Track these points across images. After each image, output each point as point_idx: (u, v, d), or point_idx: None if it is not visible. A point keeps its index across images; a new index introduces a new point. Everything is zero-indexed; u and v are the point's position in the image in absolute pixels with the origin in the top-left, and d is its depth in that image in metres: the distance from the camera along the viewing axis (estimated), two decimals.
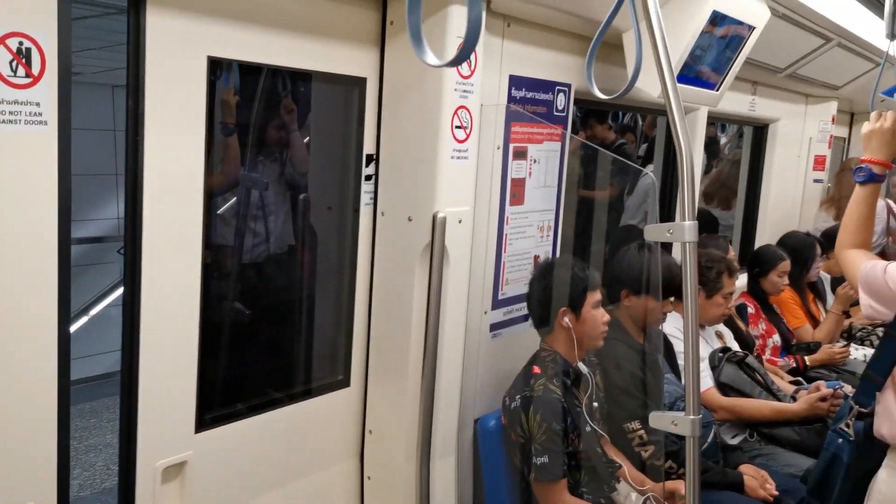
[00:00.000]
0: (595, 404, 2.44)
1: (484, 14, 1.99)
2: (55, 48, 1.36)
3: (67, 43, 1.38)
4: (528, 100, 2.38)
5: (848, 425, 1.93)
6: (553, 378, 2.31)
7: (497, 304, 2.43)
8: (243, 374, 2.06)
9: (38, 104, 1.35)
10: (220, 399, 1.90)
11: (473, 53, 1.97)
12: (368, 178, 2.03)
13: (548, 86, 2.44)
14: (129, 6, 1.52)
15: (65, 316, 1.46)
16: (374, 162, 2.06)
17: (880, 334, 4.32)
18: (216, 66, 1.68)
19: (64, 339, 1.47)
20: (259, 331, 2.17)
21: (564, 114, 2.53)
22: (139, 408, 1.66)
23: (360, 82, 1.96)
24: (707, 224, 4.76)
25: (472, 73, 1.98)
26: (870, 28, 3.38)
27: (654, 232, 1.68)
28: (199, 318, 1.73)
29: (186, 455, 1.78)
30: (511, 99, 2.30)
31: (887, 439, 1.78)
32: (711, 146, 6.65)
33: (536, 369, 2.33)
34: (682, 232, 1.58)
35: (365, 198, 2.04)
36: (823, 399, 2.98)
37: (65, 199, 1.42)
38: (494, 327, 2.43)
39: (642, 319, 2.66)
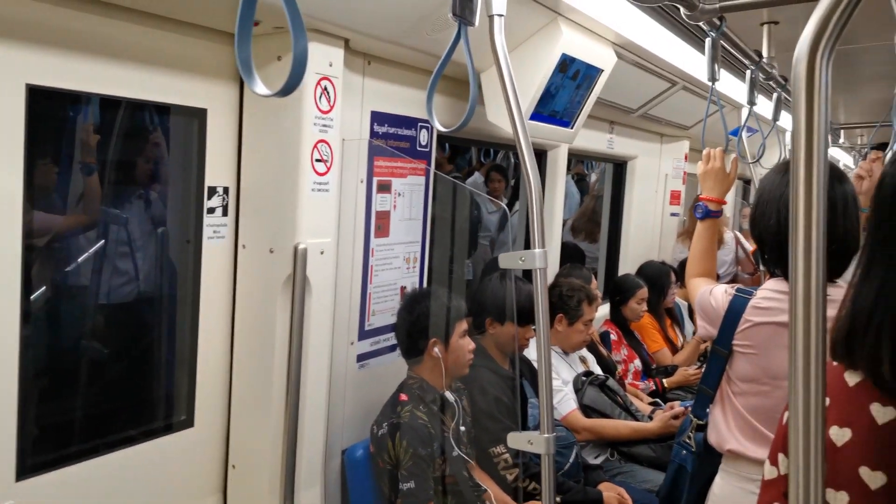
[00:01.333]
0: (462, 429, 2.51)
1: (343, 52, 2.06)
2: None
3: None
4: (391, 135, 2.46)
5: (689, 437, 2.08)
6: (420, 405, 2.36)
7: (364, 334, 2.47)
8: (76, 417, 1.95)
9: None
10: (48, 443, 1.78)
11: (333, 89, 2.03)
12: (211, 210, 2.03)
13: (410, 122, 2.53)
14: None
15: None
16: (223, 194, 2.06)
17: None
18: (38, 95, 1.63)
19: None
20: (98, 371, 2.07)
21: (427, 149, 2.63)
22: None
23: (200, 113, 1.97)
24: (574, 256, 4.98)
25: (332, 108, 2.04)
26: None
27: (508, 260, 1.77)
28: (17, 358, 1.62)
29: None
30: (373, 134, 2.37)
31: (715, 447, 1.93)
32: (580, 182, 6.97)
33: (403, 397, 2.38)
34: (534, 259, 1.67)
35: (208, 231, 2.03)
36: (676, 417, 3.17)
37: None
38: (362, 357, 2.47)
39: (507, 346, 2.76)
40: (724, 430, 1.90)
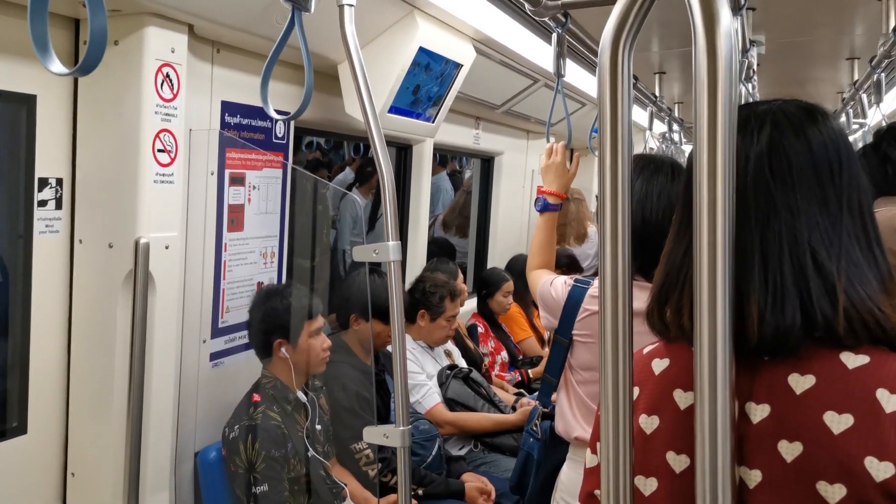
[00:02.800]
0: (318, 427, 2.47)
1: (186, 38, 1.98)
2: None
3: None
4: (245, 126, 2.38)
5: (536, 425, 2.12)
6: (273, 405, 2.31)
7: (217, 332, 2.38)
8: None
9: None
10: None
11: (176, 77, 1.95)
12: (43, 203, 1.91)
13: (265, 113, 2.45)
14: None
15: None
16: (56, 186, 1.94)
17: None
18: None
19: None
20: None
21: (285, 141, 2.56)
22: None
23: (28, 100, 1.84)
24: (445, 250, 5.02)
25: (175, 96, 1.95)
26: (572, 72, 3.77)
27: (362, 253, 1.75)
28: None
29: None
30: (225, 125, 2.29)
31: (563, 435, 1.98)
32: (454, 178, 7.03)
33: (256, 397, 2.32)
34: (388, 252, 1.66)
35: (40, 225, 1.90)
36: None
37: None
38: (215, 356, 2.38)
39: (371, 342, 2.75)
40: (570, 418, 1.95)
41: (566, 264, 4.89)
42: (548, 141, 2.40)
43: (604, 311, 0.83)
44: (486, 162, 4.86)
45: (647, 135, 5.09)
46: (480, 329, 4.10)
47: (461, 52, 2.82)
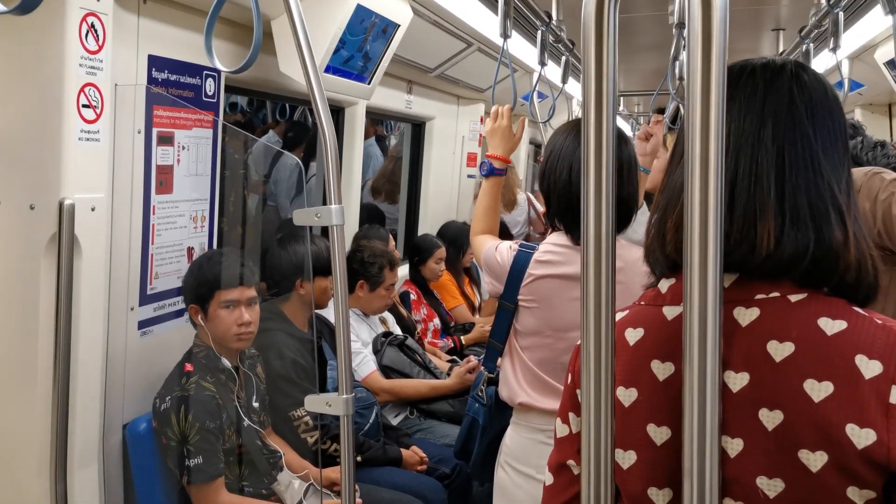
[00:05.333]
0: (254, 397, 2.40)
1: None
2: None
3: None
4: (173, 83, 2.26)
5: (482, 391, 2.11)
6: (207, 375, 2.23)
7: (146, 299, 2.27)
8: None
9: None
10: None
11: (102, 27, 1.82)
12: None
13: (195, 69, 2.34)
14: None
15: None
16: None
17: None
18: None
19: None
20: None
21: (215, 99, 2.45)
22: None
23: None
24: (374, 216, 4.95)
25: (101, 48, 1.82)
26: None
27: (303, 216, 1.69)
28: None
29: None
30: (152, 80, 2.16)
31: (507, 401, 1.98)
32: (381, 142, 6.93)
33: (189, 367, 2.23)
34: (330, 215, 1.60)
35: None
36: (471, 371, 3.25)
37: None
38: (144, 324, 2.28)
39: (314, 303, 2.70)
40: (514, 384, 1.94)
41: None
42: (492, 104, 2.37)
43: (586, 278, 0.81)
44: (418, 127, 4.80)
45: (572, 101, 5.13)
46: (413, 296, 4.08)
47: (398, 12, 2.74)
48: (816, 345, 0.83)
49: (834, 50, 2.60)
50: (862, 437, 0.79)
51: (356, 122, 3.57)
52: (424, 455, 2.85)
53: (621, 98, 6.96)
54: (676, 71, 3.27)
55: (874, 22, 3.33)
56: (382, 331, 3.36)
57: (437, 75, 4.00)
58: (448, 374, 3.39)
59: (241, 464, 2.29)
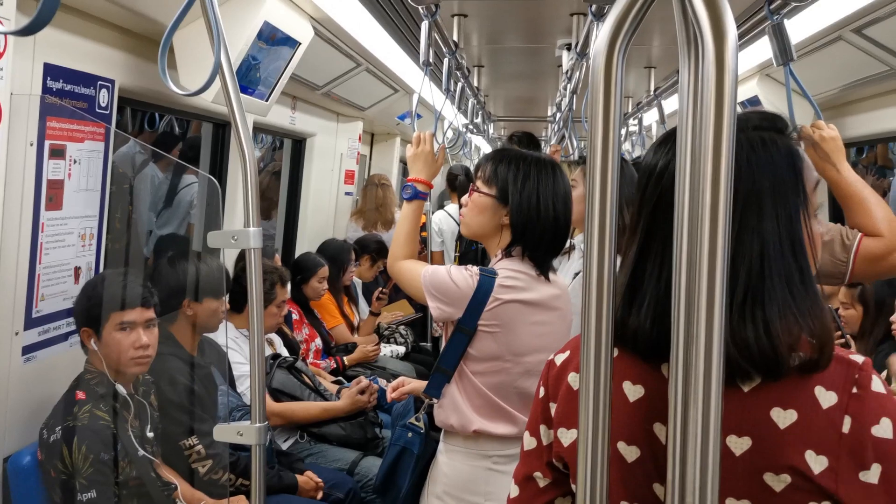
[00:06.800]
0: (148, 426, 2.28)
1: None
2: None
3: None
4: (68, 93, 2.12)
5: (418, 419, 2.10)
6: (100, 403, 2.10)
7: (32, 322, 2.11)
8: None
9: None
10: None
11: (3, 35, 1.69)
12: None
13: (89, 79, 2.21)
14: None
15: None
16: None
17: (403, 332, 4.86)
18: None
19: None
20: None
21: (108, 111, 2.32)
22: None
23: None
24: None
25: (1, 55, 1.69)
26: (394, 57, 3.77)
27: (218, 238, 1.64)
28: None
29: None
30: (47, 90, 2.02)
31: (457, 429, 1.96)
32: None
33: (80, 394, 2.09)
34: (248, 238, 1.58)
35: None
36: (363, 392, 3.23)
37: None
38: (28, 350, 2.11)
39: (202, 326, 2.59)
40: (466, 410, 1.94)
41: (375, 249, 4.91)
42: (414, 130, 2.39)
43: (587, 309, 0.84)
44: (298, 143, 4.73)
45: (446, 122, 5.20)
46: (295, 316, 4.00)
47: (301, 30, 2.72)
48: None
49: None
50: (818, 462, 0.86)
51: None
52: (320, 480, 2.80)
53: (492, 122, 7.16)
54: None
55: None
56: (270, 353, 3.28)
57: (324, 93, 3.97)
58: (337, 396, 3.35)
59: (136, 497, 2.17)
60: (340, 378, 3.82)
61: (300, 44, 2.76)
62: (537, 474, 1.08)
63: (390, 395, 2.20)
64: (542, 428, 1.08)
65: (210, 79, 1.30)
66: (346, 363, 4.08)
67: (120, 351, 2.13)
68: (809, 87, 3.81)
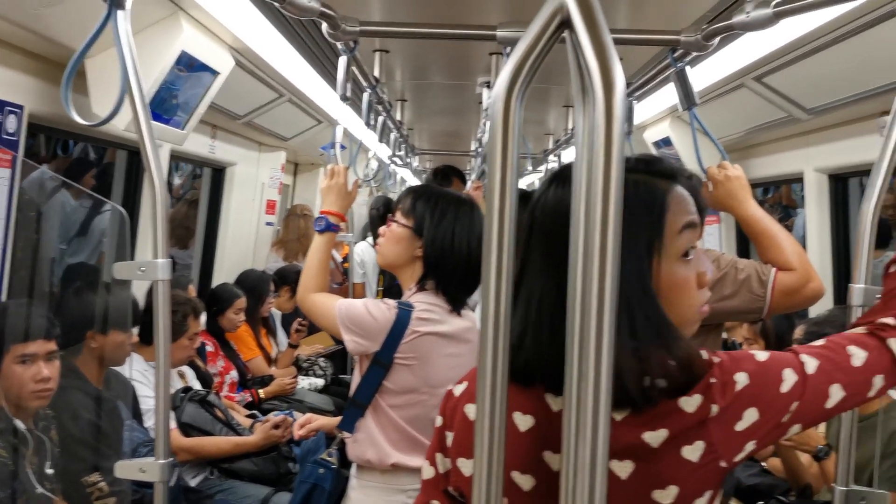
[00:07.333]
0: (48, 462, 2.19)
1: None
2: None
3: None
4: None
5: (331, 454, 2.08)
6: None
7: None
8: None
9: None
10: None
11: None
12: None
13: None
14: None
15: None
16: None
17: (322, 364, 4.81)
18: None
19: None
20: None
21: (16, 138, 2.26)
22: None
23: None
24: None
25: None
26: (317, 89, 3.78)
27: (125, 270, 1.62)
28: None
29: None
30: None
31: (374, 464, 1.95)
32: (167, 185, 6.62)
33: None
34: (156, 270, 1.56)
35: None
36: (276, 427, 3.18)
37: None
38: None
39: (109, 359, 2.51)
40: (383, 444, 1.94)
41: (295, 280, 4.85)
42: (338, 162, 2.40)
43: (484, 341, 0.86)
44: (218, 172, 4.67)
45: (370, 154, 5.23)
46: (210, 348, 3.91)
47: (220, 60, 2.70)
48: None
49: (628, 134, 2.92)
50: (694, 455, 0.94)
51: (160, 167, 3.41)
52: None
53: (416, 155, 7.23)
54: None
55: (646, 107, 3.80)
56: (182, 385, 3.20)
57: (245, 122, 3.95)
58: (251, 430, 3.28)
59: None
60: (255, 412, 3.75)
61: (219, 73, 2.75)
62: (434, 502, 1.10)
63: (297, 433, 2.18)
64: (439, 456, 1.11)
65: (115, 108, 1.29)
66: (262, 396, 4.01)
67: (20, 384, 2.05)
68: (717, 129, 4.01)
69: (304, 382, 4.50)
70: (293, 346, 4.57)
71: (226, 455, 3.09)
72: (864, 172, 3.21)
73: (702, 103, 3.39)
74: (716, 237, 4.56)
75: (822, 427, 2.84)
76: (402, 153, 5.95)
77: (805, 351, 1.00)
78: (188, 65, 2.49)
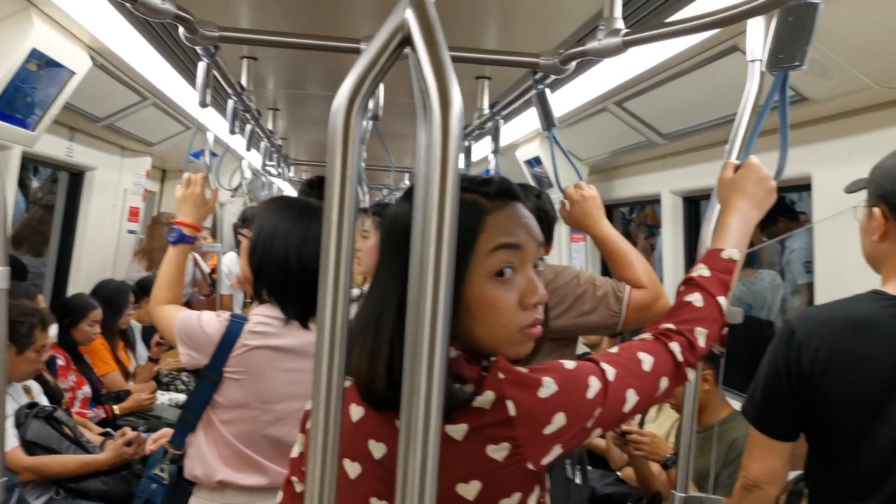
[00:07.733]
0: None
1: None
2: None
3: None
4: None
5: (163, 469, 1.99)
6: None
7: None
8: None
9: None
10: None
11: None
12: None
13: None
14: None
15: None
16: None
17: (185, 378, 4.64)
18: None
19: None
20: None
21: None
22: None
23: None
24: (16, 271, 4.41)
25: None
26: (183, 94, 3.66)
27: None
28: None
29: None
30: None
31: (202, 480, 1.88)
32: (23, 187, 6.24)
33: None
34: None
35: None
36: (129, 444, 3.04)
37: None
38: None
39: None
40: (211, 460, 1.87)
41: None
42: (185, 170, 2.31)
43: (320, 357, 0.86)
44: (76, 176, 4.43)
45: (243, 163, 5.13)
46: (60, 361, 3.69)
47: (76, 60, 2.58)
48: None
49: (495, 152, 2.99)
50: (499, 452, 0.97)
51: (10, 169, 3.21)
52: None
53: (292, 165, 7.13)
54: None
55: (518, 126, 3.92)
56: (27, 401, 3.01)
57: (106, 125, 3.77)
58: (102, 448, 3.12)
59: None
60: (109, 430, 3.56)
61: (74, 74, 2.62)
62: (294, 479, 1.15)
63: (149, 447, 2.09)
64: (300, 437, 1.19)
65: None
66: (117, 412, 3.82)
67: None
68: (582, 151, 4.17)
69: (164, 398, 4.32)
70: (153, 360, 4.38)
71: (73, 474, 2.92)
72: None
73: (570, 124, 3.54)
74: (582, 254, 4.74)
75: (671, 437, 2.99)
76: (273, 163, 5.85)
77: (603, 359, 1.05)
78: (40, 63, 2.36)
